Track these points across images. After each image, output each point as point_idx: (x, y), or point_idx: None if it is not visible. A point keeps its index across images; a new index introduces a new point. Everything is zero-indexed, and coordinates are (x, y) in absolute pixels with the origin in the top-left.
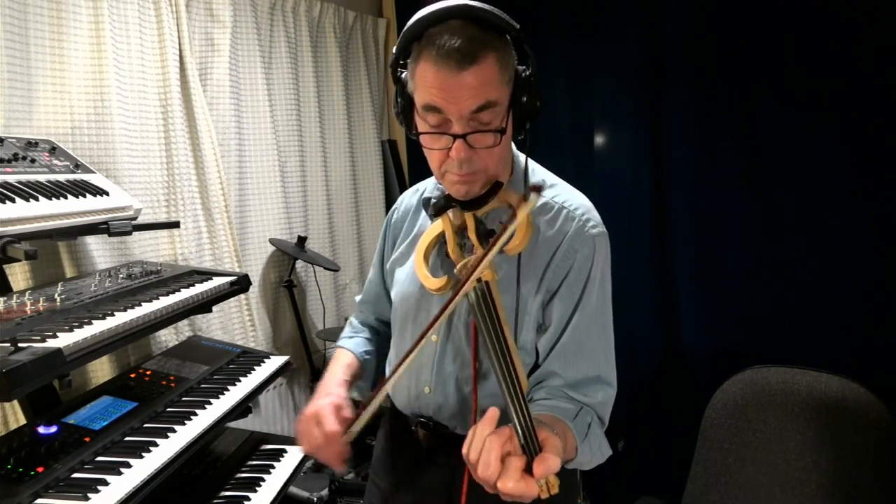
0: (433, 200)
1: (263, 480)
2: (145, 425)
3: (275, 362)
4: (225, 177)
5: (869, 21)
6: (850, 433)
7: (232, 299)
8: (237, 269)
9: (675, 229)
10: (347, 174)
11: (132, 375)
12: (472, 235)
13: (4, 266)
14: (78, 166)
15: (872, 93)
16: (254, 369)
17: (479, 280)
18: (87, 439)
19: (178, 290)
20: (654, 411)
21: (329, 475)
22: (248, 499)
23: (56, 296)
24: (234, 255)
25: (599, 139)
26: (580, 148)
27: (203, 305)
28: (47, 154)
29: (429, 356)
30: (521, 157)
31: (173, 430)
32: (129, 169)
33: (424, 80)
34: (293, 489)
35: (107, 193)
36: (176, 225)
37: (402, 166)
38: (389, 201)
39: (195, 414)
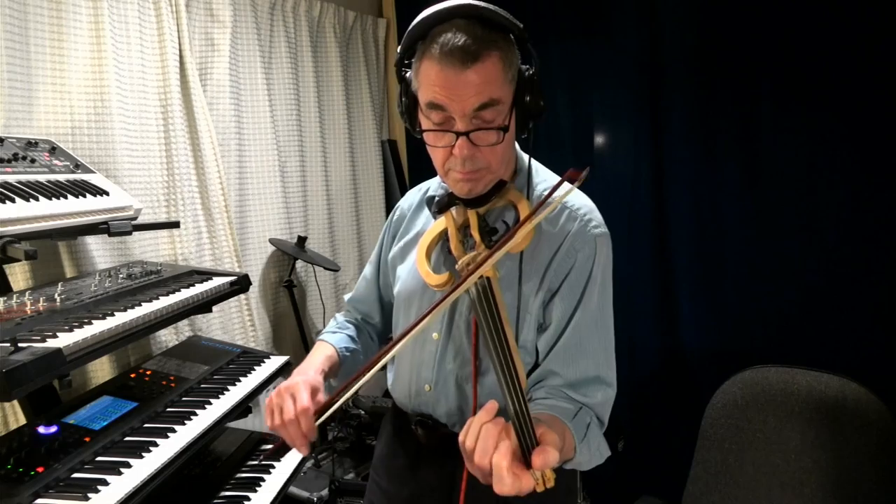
0: (436, 198)
1: (263, 480)
2: (145, 425)
3: (275, 362)
4: (225, 177)
5: (869, 21)
6: (850, 433)
7: (232, 299)
8: (237, 269)
9: (675, 229)
10: (347, 174)
11: (132, 375)
12: (474, 233)
13: (4, 266)
14: (78, 166)
15: (872, 92)
16: (254, 369)
17: (480, 276)
18: (87, 439)
19: (178, 290)
20: (654, 411)
21: (329, 475)
22: (248, 499)
23: (56, 296)
24: (234, 255)
25: (599, 139)
26: (580, 148)
27: (203, 305)
28: (47, 154)
29: (430, 354)
30: (525, 156)
31: (173, 430)
32: (129, 169)
33: (428, 77)
34: (293, 489)
35: (107, 193)
36: (176, 225)
37: (402, 166)
38: (389, 201)
39: (195, 414)
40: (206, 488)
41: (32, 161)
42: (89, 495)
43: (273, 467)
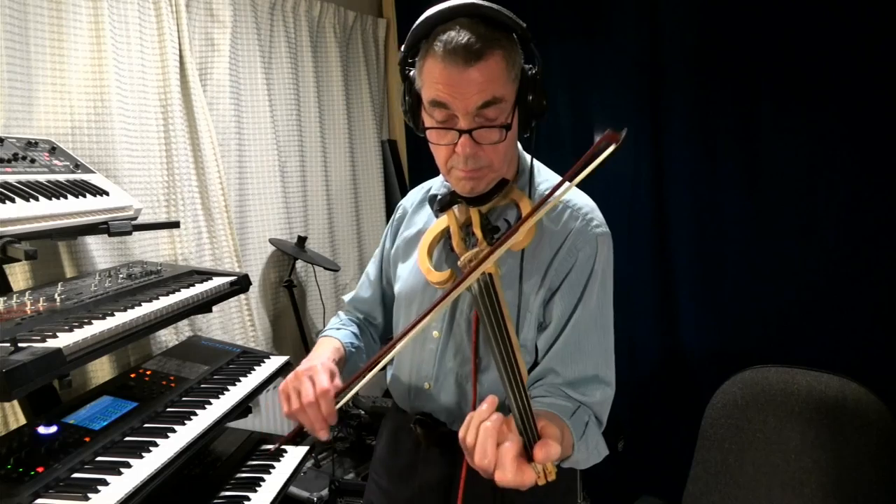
0: (438, 197)
1: (263, 480)
2: (145, 425)
3: (275, 362)
4: (225, 177)
5: (869, 21)
6: (850, 433)
7: (232, 299)
8: (237, 269)
9: (675, 229)
10: (347, 174)
11: (132, 375)
12: (476, 231)
13: (4, 266)
14: (78, 166)
15: (872, 92)
16: (254, 369)
17: (482, 273)
18: (87, 439)
19: (178, 290)
20: (654, 411)
21: (329, 475)
22: (248, 499)
23: (56, 296)
24: (234, 255)
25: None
26: (580, 148)
27: (203, 305)
28: (47, 154)
29: (430, 352)
30: (527, 156)
31: (173, 430)
32: (129, 169)
33: (432, 76)
34: (293, 489)
35: (107, 193)
36: (176, 225)
37: (402, 166)
38: (389, 201)
39: (195, 414)
40: (206, 488)
41: (32, 161)
42: (89, 495)
43: (273, 467)
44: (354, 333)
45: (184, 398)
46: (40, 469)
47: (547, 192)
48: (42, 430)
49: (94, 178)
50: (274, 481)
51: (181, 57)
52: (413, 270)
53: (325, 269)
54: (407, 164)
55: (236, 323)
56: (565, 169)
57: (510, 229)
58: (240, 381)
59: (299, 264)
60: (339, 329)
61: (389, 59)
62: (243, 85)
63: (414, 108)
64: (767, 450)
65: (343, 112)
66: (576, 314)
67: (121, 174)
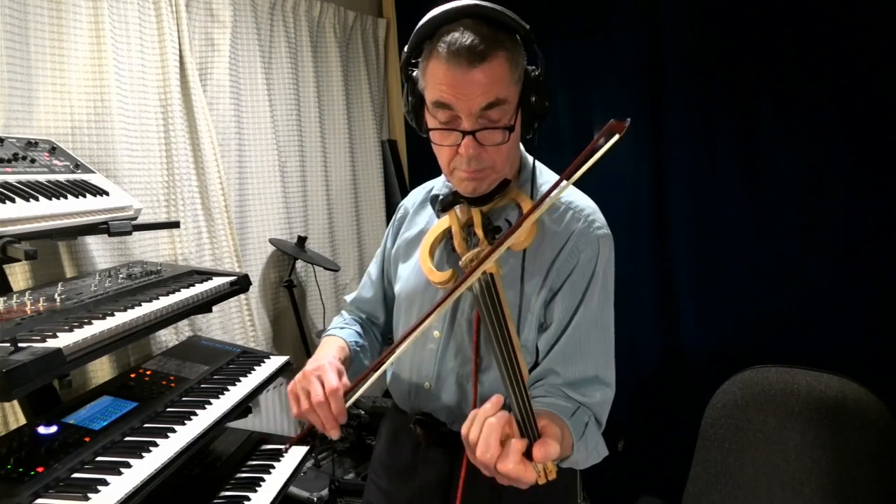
0: (440, 197)
1: (263, 480)
2: (145, 425)
3: (275, 362)
4: (225, 177)
5: (869, 21)
6: (850, 433)
7: (232, 299)
8: (237, 269)
9: (675, 229)
10: (347, 174)
11: (132, 375)
12: (478, 231)
13: (4, 266)
14: (78, 166)
15: (872, 92)
16: (254, 369)
17: (483, 272)
18: (87, 439)
19: (178, 290)
20: (654, 411)
21: (329, 475)
22: (248, 499)
23: (56, 296)
24: (234, 255)
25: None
26: (580, 148)
27: (203, 305)
28: (47, 154)
29: (431, 352)
30: (529, 157)
31: (173, 430)
32: (129, 169)
33: (436, 76)
34: (293, 489)
35: (107, 193)
36: (176, 225)
37: (402, 166)
38: (389, 201)
39: (195, 414)
40: (206, 488)
41: (32, 161)
42: (89, 495)
43: (273, 467)
44: (358, 332)
45: (184, 398)
46: (40, 469)
47: (552, 185)
48: (42, 430)
49: (94, 178)
50: (274, 481)
51: (181, 57)
52: (414, 270)
53: (325, 269)
54: (407, 164)
55: (236, 323)
56: (565, 168)
57: (511, 227)
58: (240, 381)
59: (299, 264)
60: (342, 328)
61: (389, 60)
62: (243, 85)
63: (417, 109)
64: (767, 450)
65: (343, 112)
66: (577, 315)
67: (121, 174)
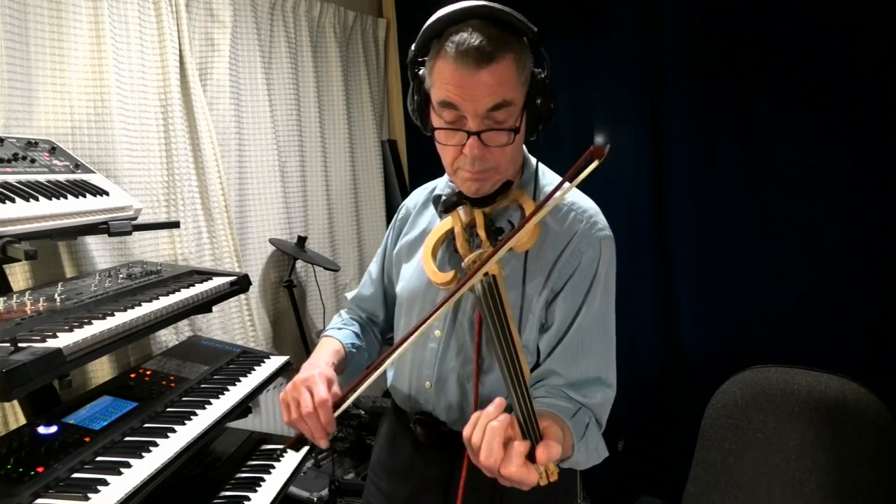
0: (443, 197)
1: (263, 480)
2: (145, 425)
3: (275, 362)
4: (225, 177)
5: (869, 21)
6: (850, 433)
7: (232, 299)
8: (237, 269)
9: (675, 229)
10: (347, 174)
11: (132, 375)
12: (480, 232)
13: (4, 266)
14: (78, 166)
15: (872, 92)
16: (254, 369)
17: (485, 274)
18: (87, 439)
19: (178, 290)
20: (654, 411)
21: (329, 475)
22: (248, 499)
23: (56, 296)
24: (234, 255)
25: (599, 139)
26: (580, 148)
27: (203, 305)
28: (47, 154)
29: (432, 352)
30: (532, 159)
31: (173, 430)
32: (129, 169)
33: (442, 76)
34: (293, 489)
35: (107, 193)
36: (176, 225)
37: (402, 166)
38: (389, 201)
39: (195, 414)
40: (206, 488)
41: (32, 161)
42: (89, 495)
43: (273, 467)
44: (356, 333)
45: (184, 398)
46: (40, 469)
47: (554, 186)
48: (42, 430)
49: (94, 178)
50: (274, 481)
51: (181, 57)
52: (417, 271)
53: (325, 269)
54: (407, 164)
55: (236, 323)
56: (564, 169)
57: (513, 229)
58: (240, 381)
59: (299, 264)
60: (340, 329)
61: (389, 59)
62: (243, 85)
63: (422, 108)
64: (767, 450)
65: (343, 112)
66: (579, 317)
67: (121, 174)
